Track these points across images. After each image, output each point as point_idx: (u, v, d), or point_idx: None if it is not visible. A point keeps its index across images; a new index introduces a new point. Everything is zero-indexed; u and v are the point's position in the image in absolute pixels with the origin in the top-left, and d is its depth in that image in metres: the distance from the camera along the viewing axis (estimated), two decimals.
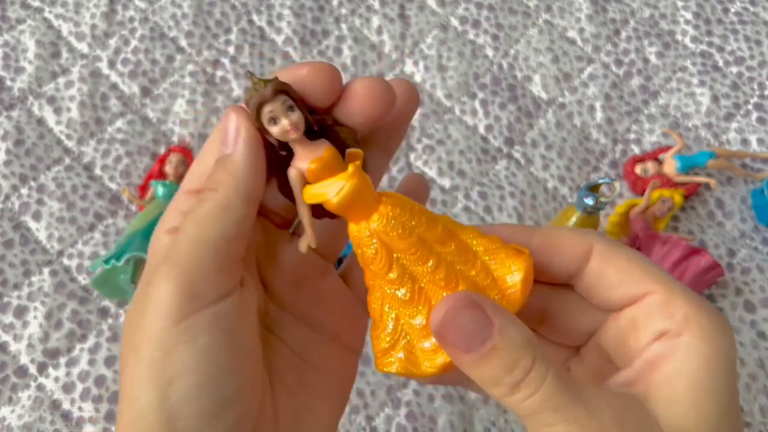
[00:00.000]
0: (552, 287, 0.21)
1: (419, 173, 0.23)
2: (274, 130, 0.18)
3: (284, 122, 0.18)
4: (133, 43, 0.50)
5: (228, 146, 0.19)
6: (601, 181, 0.39)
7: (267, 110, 0.18)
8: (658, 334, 0.18)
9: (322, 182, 0.19)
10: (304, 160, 0.19)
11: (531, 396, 0.17)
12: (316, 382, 0.22)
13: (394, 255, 0.19)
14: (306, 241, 0.20)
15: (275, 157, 0.20)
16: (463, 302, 0.18)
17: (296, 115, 0.18)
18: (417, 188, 0.24)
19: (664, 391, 0.17)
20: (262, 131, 0.19)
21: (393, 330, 0.19)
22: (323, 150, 0.19)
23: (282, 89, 0.18)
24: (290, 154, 0.19)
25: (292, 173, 0.19)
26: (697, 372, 0.17)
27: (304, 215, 0.20)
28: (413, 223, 0.19)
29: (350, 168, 0.19)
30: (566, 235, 0.20)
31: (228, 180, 0.19)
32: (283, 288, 0.22)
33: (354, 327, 0.23)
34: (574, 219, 0.41)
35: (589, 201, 0.39)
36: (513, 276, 0.19)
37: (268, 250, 0.22)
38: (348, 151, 0.20)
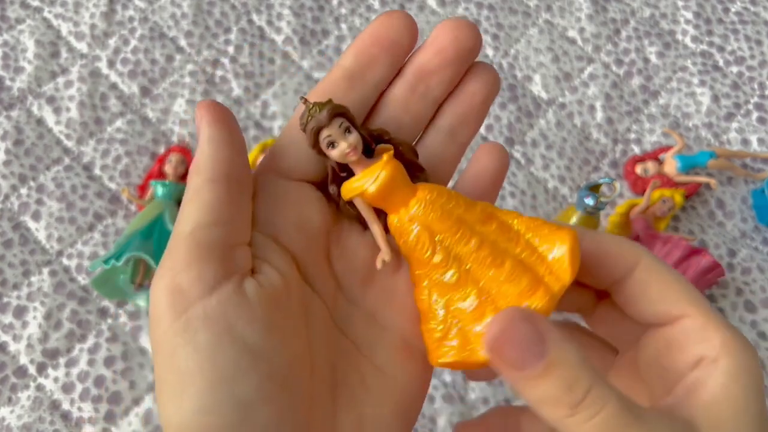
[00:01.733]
0: (589, 292, 0.21)
1: (496, 143, 0.22)
2: (334, 154, 0.19)
3: (342, 145, 0.19)
4: (133, 42, 0.50)
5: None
6: (601, 180, 0.39)
7: (324, 135, 0.19)
8: (697, 359, 0.18)
9: (358, 176, 0.19)
10: (363, 176, 0.19)
11: (594, 417, 0.16)
12: (382, 386, 0.20)
13: (437, 238, 0.19)
14: (382, 257, 0.20)
15: (337, 179, 0.20)
16: (516, 315, 0.17)
17: (353, 137, 0.19)
18: (496, 159, 0.22)
19: (708, 417, 0.17)
20: (322, 155, 0.19)
21: (444, 318, 0.19)
22: (380, 164, 0.19)
23: (338, 112, 0.19)
24: (350, 175, 0.20)
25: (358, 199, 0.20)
26: (738, 398, 0.17)
27: (377, 232, 0.20)
28: (451, 205, 0.19)
29: (384, 157, 0.19)
30: (617, 242, 0.20)
31: (195, 169, 0.19)
32: (353, 281, 0.21)
33: (417, 327, 0.22)
34: (574, 219, 0.41)
35: (590, 201, 0.39)
36: (559, 249, 0.18)
37: (339, 239, 0.21)
38: (378, 146, 0.20)
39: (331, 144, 0.19)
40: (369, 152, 0.20)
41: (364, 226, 0.21)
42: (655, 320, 0.19)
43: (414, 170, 0.20)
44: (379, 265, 0.20)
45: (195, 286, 0.17)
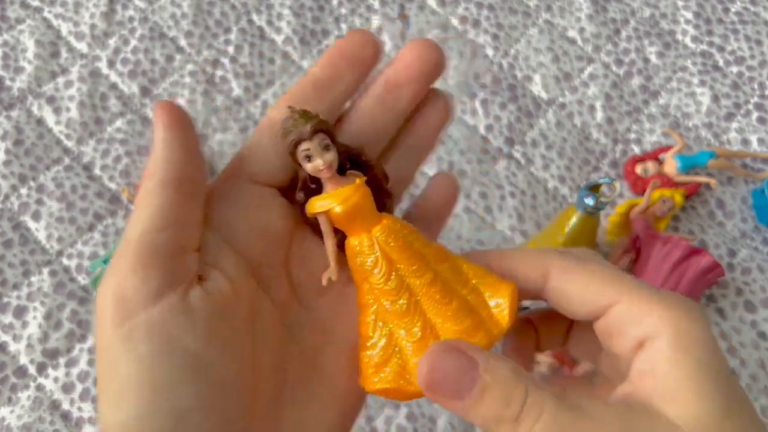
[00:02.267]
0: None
1: (449, 173, 0.23)
2: (308, 167, 0.19)
3: (318, 162, 0.19)
4: (133, 42, 0.50)
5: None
6: (601, 180, 0.39)
7: (303, 148, 0.19)
8: (639, 341, 0.18)
9: (326, 194, 0.20)
10: (333, 196, 0.20)
11: (535, 423, 0.17)
12: (326, 392, 0.21)
13: (395, 266, 0.20)
14: (328, 274, 0.20)
15: (306, 189, 0.20)
16: (443, 348, 0.18)
17: (330, 155, 0.19)
18: (446, 187, 0.24)
19: (664, 392, 0.17)
20: (296, 164, 0.20)
21: (386, 345, 0.20)
22: (352, 188, 0.20)
23: (321, 128, 0.19)
24: (319, 187, 0.20)
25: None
26: (687, 367, 0.17)
27: (330, 249, 0.20)
28: (412, 238, 0.20)
29: (357, 181, 0.20)
30: (523, 257, 0.20)
31: (148, 172, 0.19)
32: (309, 287, 0.21)
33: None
34: (574, 219, 0.41)
35: (590, 201, 0.39)
36: (501, 299, 0.20)
37: (301, 246, 0.22)
38: (349, 171, 0.20)
39: (308, 157, 0.19)
40: (342, 170, 0.20)
41: (319, 237, 0.21)
42: (589, 317, 0.20)
43: (382, 196, 0.21)
44: (324, 281, 0.20)
45: (138, 295, 0.17)
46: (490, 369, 0.17)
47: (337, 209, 0.19)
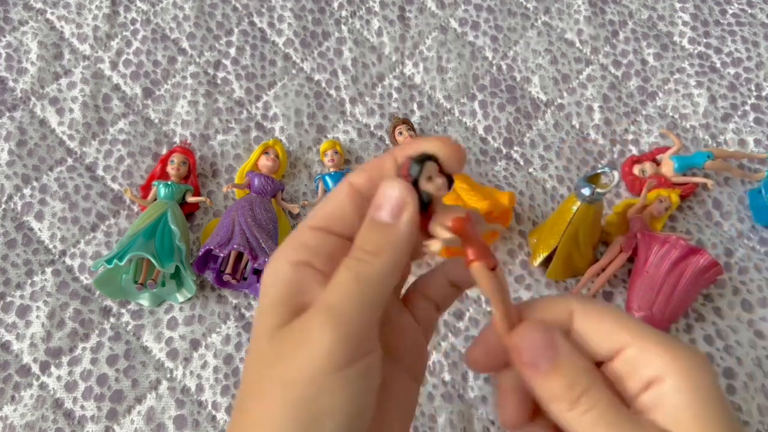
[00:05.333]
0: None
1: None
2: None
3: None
4: (135, 44, 0.51)
5: (388, 215, 0.21)
6: (600, 170, 0.40)
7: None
8: (646, 383, 0.20)
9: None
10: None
11: (589, 411, 0.20)
12: (391, 408, 0.23)
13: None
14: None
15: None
16: (537, 326, 0.21)
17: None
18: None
19: (671, 421, 0.19)
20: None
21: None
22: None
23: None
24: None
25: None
26: (689, 409, 0.19)
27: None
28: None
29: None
30: (547, 306, 0.22)
31: (390, 249, 0.20)
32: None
33: (419, 359, 0.25)
34: (574, 208, 0.41)
35: (586, 192, 0.40)
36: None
37: None
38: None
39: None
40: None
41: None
42: (604, 358, 0.21)
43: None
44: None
45: (366, 348, 0.20)
46: (567, 354, 0.20)
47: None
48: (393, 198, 0.21)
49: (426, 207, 0.21)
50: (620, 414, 0.20)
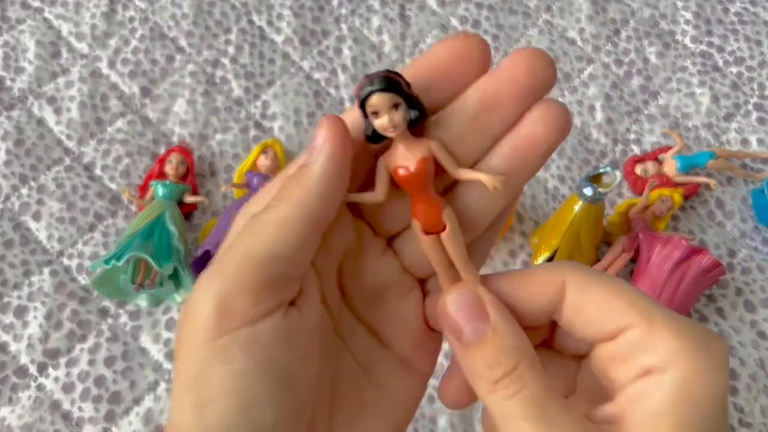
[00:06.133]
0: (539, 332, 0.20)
1: (557, 103, 0.19)
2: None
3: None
4: (133, 43, 0.50)
5: (309, 156, 0.18)
6: (602, 170, 0.40)
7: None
8: (643, 370, 0.17)
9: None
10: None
11: (510, 397, 0.17)
12: (378, 402, 0.20)
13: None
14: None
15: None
16: (469, 292, 0.18)
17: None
18: (552, 124, 0.19)
19: (646, 429, 0.16)
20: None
21: None
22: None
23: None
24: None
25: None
26: (683, 414, 0.16)
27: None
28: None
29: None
30: (535, 274, 0.19)
31: (295, 195, 0.17)
32: (361, 299, 0.21)
33: (425, 352, 0.22)
34: (576, 208, 0.41)
35: (588, 191, 0.40)
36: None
37: (356, 256, 0.20)
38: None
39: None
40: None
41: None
42: (603, 338, 0.18)
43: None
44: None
45: (244, 312, 0.17)
46: (497, 324, 0.18)
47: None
48: (316, 136, 0.18)
49: (376, 139, 0.18)
50: (548, 406, 0.16)
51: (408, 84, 0.18)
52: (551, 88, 0.18)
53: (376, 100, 0.18)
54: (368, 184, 0.20)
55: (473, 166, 0.19)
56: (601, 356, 0.18)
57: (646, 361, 0.17)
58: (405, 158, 0.18)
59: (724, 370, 0.16)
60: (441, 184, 0.20)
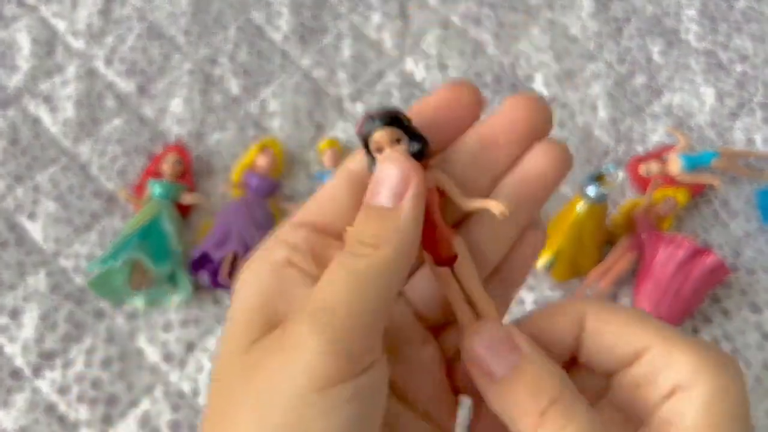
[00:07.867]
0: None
1: (556, 142, 0.20)
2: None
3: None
4: (130, 41, 0.50)
5: (387, 199, 0.17)
6: (604, 170, 0.40)
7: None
8: (670, 390, 0.17)
9: None
10: None
11: (562, 429, 0.16)
12: None
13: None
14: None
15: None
16: (496, 326, 0.18)
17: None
18: (554, 161, 0.20)
19: None
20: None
21: None
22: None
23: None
24: None
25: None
26: (716, 425, 0.16)
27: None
28: None
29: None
30: (555, 314, 0.19)
31: (393, 238, 0.17)
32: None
33: (444, 406, 0.21)
34: (579, 208, 0.41)
35: (591, 191, 0.40)
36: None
37: None
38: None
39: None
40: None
41: None
42: (621, 363, 0.18)
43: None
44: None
45: (362, 362, 0.16)
46: (531, 355, 0.17)
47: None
48: (392, 177, 0.17)
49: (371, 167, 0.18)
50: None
51: (409, 119, 0.19)
52: (549, 132, 0.19)
53: (379, 136, 0.18)
54: None
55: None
56: (623, 385, 0.18)
57: (670, 379, 0.17)
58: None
59: (742, 380, 0.17)
60: (449, 220, 0.20)
